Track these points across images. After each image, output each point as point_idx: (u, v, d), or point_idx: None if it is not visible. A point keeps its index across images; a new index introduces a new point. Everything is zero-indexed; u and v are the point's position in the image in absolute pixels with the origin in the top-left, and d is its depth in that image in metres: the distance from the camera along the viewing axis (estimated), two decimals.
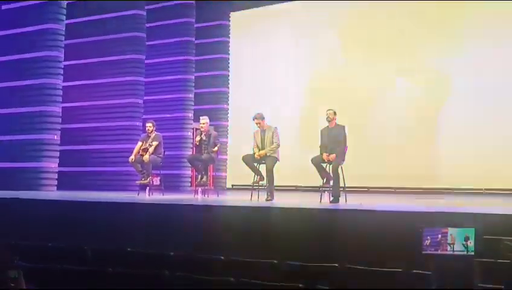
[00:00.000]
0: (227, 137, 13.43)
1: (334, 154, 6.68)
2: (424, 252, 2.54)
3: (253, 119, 7.16)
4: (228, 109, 13.65)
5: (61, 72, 10.09)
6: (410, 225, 3.77)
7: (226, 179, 13.46)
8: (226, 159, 13.33)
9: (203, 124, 7.82)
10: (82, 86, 11.61)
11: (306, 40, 12.76)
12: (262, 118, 7.20)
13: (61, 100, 10.10)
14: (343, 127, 6.93)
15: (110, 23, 11.45)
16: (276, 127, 7.26)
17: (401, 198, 8.82)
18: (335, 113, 6.89)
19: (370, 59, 11.88)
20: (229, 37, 13.70)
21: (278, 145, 7.11)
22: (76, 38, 11.52)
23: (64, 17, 10.18)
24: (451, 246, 2.49)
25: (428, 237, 2.49)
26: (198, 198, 7.78)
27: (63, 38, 10.10)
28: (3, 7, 10.41)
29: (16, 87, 10.19)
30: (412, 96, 11.42)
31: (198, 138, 7.79)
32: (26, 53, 10.09)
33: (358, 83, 11.93)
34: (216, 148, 7.72)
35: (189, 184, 12.35)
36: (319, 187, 6.99)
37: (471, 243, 2.54)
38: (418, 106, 11.28)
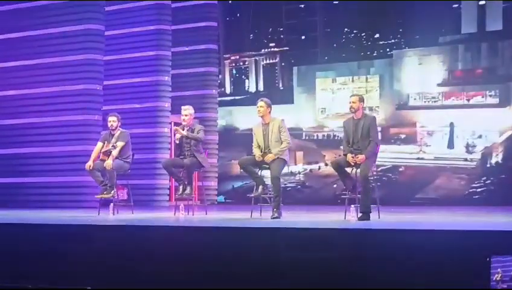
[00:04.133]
0: (216, 134, 13.43)
1: (362, 156, 6.65)
2: None
3: (257, 103, 7.18)
4: (217, 96, 13.66)
5: None
6: (473, 252, 3.72)
7: (216, 190, 13.47)
8: (216, 164, 13.33)
9: (186, 116, 7.80)
10: (19, 68, 11.60)
11: None
12: (269, 105, 7.19)
13: None
14: (373, 118, 6.90)
15: None
16: (282, 120, 7.26)
17: (454, 212, 8.78)
18: (361, 99, 6.85)
19: None
20: None
21: (289, 144, 7.11)
22: (10, 3, 11.50)
23: None
24: None
25: (499, 270, 2.43)
26: (180, 216, 7.76)
27: None
28: None
29: None
30: None
31: (178, 136, 7.77)
32: None
33: None
34: (198, 133, 7.71)
35: (167, 198, 12.32)
36: (344, 199, 6.96)
37: None
38: None
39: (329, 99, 13.64)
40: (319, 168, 13.57)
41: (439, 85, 12.68)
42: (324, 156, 13.49)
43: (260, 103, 7.18)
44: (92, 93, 11.25)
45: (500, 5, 12.05)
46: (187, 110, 7.86)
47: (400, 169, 12.82)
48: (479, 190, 12.20)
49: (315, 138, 13.71)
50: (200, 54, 13.61)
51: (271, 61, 14.36)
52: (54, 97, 11.37)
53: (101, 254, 5.59)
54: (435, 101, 12.70)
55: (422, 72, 12.85)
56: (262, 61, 14.41)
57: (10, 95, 11.59)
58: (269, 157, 7.02)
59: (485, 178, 12.16)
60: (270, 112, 7.22)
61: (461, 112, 12.41)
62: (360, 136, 6.77)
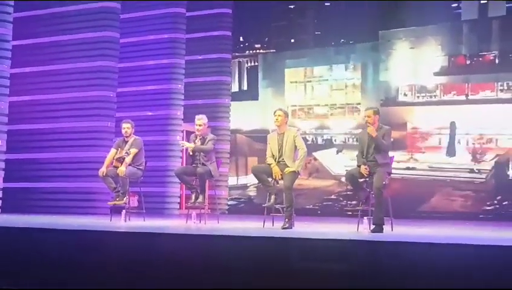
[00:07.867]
0: (228, 143, 13.40)
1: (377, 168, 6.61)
2: None
3: (274, 114, 7.15)
4: (230, 105, 13.64)
5: (9, 54, 10.09)
6: (493, 267, 3.63)
7: (227, 199, 13.43)
8: (227, 173, 13.29)
9: (200, 125, 7.79)
10: (35, 74, 11.65)
11: None
12: (286, 115, 7.18)
13: (7, 93, 10.09)
14: (388, 129, 6.86)
15: None
16: (298, 130, 7.27)
17: (472, 225, 8.68)
18: (375, 112, 6.82)
19: None
20: (231, 8, 13.69)
21: (305, 151, 7.07)
22: (28, 10, 11.54)
23: None
24: None
25: None
26: (192, 225, 7.73)
27: (11, 10, 10.10)
28: None
29: None
30: None
31: (193, 145, 7.73)
32: None
33: None
34: (207, 144, 7.64)
35: (178, 206, 12.28)
36: (356, 211, 6.92)
37: None
38: None
39: (301, 95, 11.36)
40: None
41: (436, 75, 10.25)
42: None
43: (278, 112, 7.15)
44: (105, 100, 11.29)
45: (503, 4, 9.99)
46: (201, 120, 7.84)
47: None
48: (491, 215, 9.64)
49: None
50: (213, 62, 13.62)
51: (255, 64, 13.70)
52: (67, 103, 11.43)
53: (112, 260, 5.55)
54: (430, 96, 10.29)
55: (415, 58, 10.44)
56: (247, 63, 13.79)
57: (25, 101, 11.63)
58: (288, 170, 6.97)
59: (500, 197, 9.83)
60: (286, 122, 7.20)
61: (464, 109, 9.98)
62: (374, 147, 6.74)
